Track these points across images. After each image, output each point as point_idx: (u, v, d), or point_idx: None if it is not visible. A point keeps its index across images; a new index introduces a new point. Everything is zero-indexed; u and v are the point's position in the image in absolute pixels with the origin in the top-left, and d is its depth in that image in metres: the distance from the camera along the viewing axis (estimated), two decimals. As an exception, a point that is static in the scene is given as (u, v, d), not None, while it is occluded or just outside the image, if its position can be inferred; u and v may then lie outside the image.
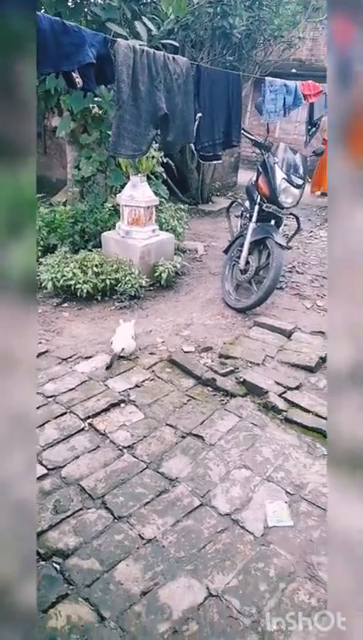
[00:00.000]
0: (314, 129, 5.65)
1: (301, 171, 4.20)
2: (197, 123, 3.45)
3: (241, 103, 3.87)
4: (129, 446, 2.54)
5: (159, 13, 3.91)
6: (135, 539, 2.00)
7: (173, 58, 3.14)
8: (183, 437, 2.62)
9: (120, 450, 2.52)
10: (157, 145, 3.98)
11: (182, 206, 5.73)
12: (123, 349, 3.31)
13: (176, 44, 4.29)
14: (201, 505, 2.19)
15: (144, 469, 2.38)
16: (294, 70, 10.57)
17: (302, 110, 7.22)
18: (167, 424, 2.72)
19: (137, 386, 3.08)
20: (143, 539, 2.01)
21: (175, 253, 4.96)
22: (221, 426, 2.72)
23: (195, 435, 2.64)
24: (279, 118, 4.24)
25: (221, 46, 6.85)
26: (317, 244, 6.49)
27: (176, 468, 2.40)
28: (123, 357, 3.34)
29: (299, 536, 2.06)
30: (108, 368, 3.21)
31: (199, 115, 3.44)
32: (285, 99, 4.14)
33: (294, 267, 5.35)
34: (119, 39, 2.97)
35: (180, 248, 5.33)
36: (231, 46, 6.85)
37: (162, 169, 5.25)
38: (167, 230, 5.08)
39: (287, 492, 2.28)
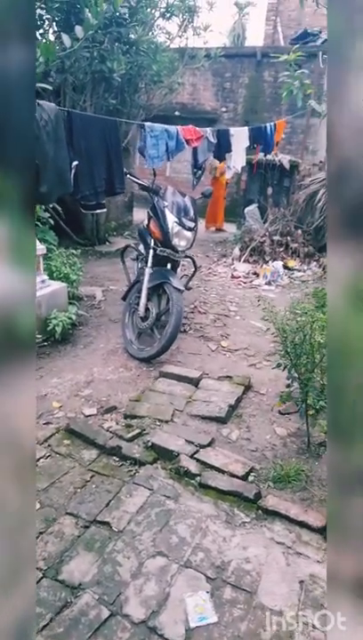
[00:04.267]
0: (200, 172, 5.76)
1: (191, 213, 4.14)
2: (73, 171, 3.21)
3: (121, 149, 3.73)
4: (21, 549, 2.13)
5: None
6: None
7: (38, 103, 2.91)
8: (86, 527, 2.26)
9: (10, 556, 2.09)
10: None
11: (75, 251, 5.43)
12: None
13: (49, 87, 4.08)
14: (111, 615, 1.85)
15: (40, 580, 1.98)
16: (177, 113, 10.93)
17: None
18: (67, 512, 2.35)
19: (31, 467, 2.66)
20: None
21: (70, 302, 4.62)
22: (129, 505, 2.41)
23: (100, 522, 2.29)
24: (164, 162, 4.17)
25: (102, 90, 6.80)
26: (216, 280, 6.52)
27: (79, 570, 2.03)
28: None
29: (225, 633, 1.80)
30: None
31: (75, 163, 3.21)
32: (167, 144, 4.10)
33: (195, 307, 5.26)
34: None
35: (75, 296, 5.00)
36: (113, 90, 6.84)
37: (48, 214, 4.93)
38: (59, 279, 4.73)
39: (208, 578, 2.02)
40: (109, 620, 1.83)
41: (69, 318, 4.24)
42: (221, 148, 5.45)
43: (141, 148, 3.86)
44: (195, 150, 4.76)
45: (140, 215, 9.87)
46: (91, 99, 6.76)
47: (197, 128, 4.87)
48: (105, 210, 4.42)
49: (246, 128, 6.04)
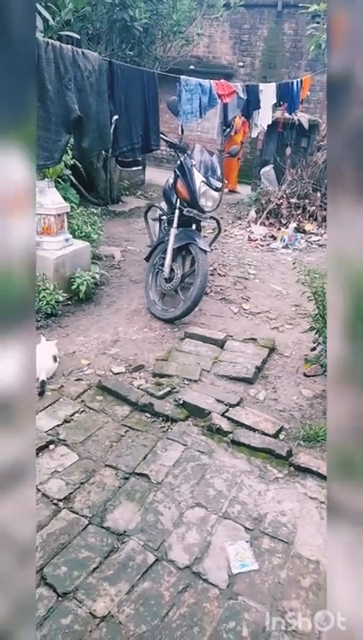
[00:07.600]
0: (228, 129, 5.59)
1: (218, 173, 4.05)
2: (113, 126, 3.12)
3: (158, 103, 3.60)
4: (65, 498, 2.22)
5: (56, 2, 3.51)
6: (86, 619, 1.71)
7: (83, 52, 2.79)
8: (126, 479, 2.35)
9: (55, 504, 2.18)
10: (71, 152, 3.59)
11: (95, 210, 5.37)
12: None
13: (77, 36, 3.91)
14: (157, 560, 1.94)
15: (86, 526, 2.08)
16: (192, 67, 10.51)
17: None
18: (106, 464, 2.43)
19: (66, 421, 2.73)
20: (96, 617, 1.72)
21: (92, 262, 4.61)
22: (166, 459, 2.48)
23: (139, 474, 2.37)
24: (196, 119, 4.05)
25: (119, 40, 6.52)
26: (233, 243, 6.47)
27: (123, 518, 2.12)
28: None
29: (266, 580, 1.90)
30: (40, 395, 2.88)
31: (116, 117, 3.11)
32: (201, 99, 3.95)
33: (215, 269, 5.24)
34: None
35: (96, 255, 4.98)
36: (130, 40, 6.55)
37: (69, 171, 4.84)
38: (81, 237, 4.70)
39: (247, 529, 2.11)
40: (156, 565, 1.93)
41: (93, 278, 4.24)
42: (250, 105, 5.28)
43: (172, 104, 3.72)
44: (225, 107, 4.61)
45: (152, 174, 9.69)
46: (106, 49, 6.49)
47: (229, 83, 4.70)
48: (141, 167, 4.31)
49: (274, 84, 5.82)
